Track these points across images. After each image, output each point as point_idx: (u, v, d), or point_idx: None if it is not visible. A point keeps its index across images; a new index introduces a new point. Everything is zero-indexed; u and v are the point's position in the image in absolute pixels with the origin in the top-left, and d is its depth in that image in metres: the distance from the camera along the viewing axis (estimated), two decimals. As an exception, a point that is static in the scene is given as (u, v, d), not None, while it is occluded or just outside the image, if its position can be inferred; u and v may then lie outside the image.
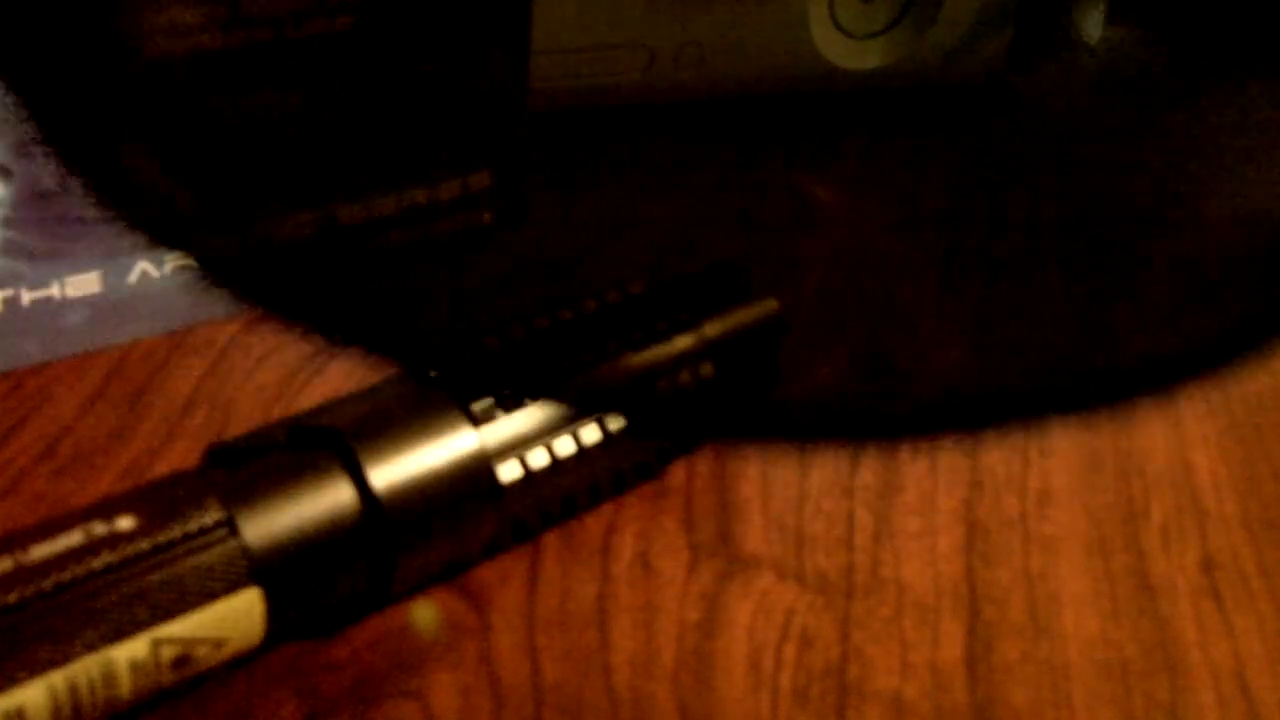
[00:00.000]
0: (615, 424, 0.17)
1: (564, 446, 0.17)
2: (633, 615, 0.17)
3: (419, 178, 0.23)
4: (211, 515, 0.14)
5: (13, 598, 0.13)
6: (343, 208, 0.22)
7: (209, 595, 0.14)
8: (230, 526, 0.14)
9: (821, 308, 0.23)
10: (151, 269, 0.21)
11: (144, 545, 0.14)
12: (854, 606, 0.17)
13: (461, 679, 0.15)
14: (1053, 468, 0.20)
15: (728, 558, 0.18)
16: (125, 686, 0.14)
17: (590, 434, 0.17)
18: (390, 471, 0.15)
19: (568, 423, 0.17)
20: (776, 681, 0.16)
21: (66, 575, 0.13)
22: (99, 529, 0.14)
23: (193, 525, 0.14)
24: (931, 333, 0.23)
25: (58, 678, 0.13)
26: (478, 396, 0.16)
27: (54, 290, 0.20)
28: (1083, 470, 0.20)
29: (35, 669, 0.13)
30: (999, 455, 0.20)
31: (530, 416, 0.17)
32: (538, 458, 0.16)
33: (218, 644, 0.14)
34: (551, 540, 0.18)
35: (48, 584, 0.13)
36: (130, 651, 0.14)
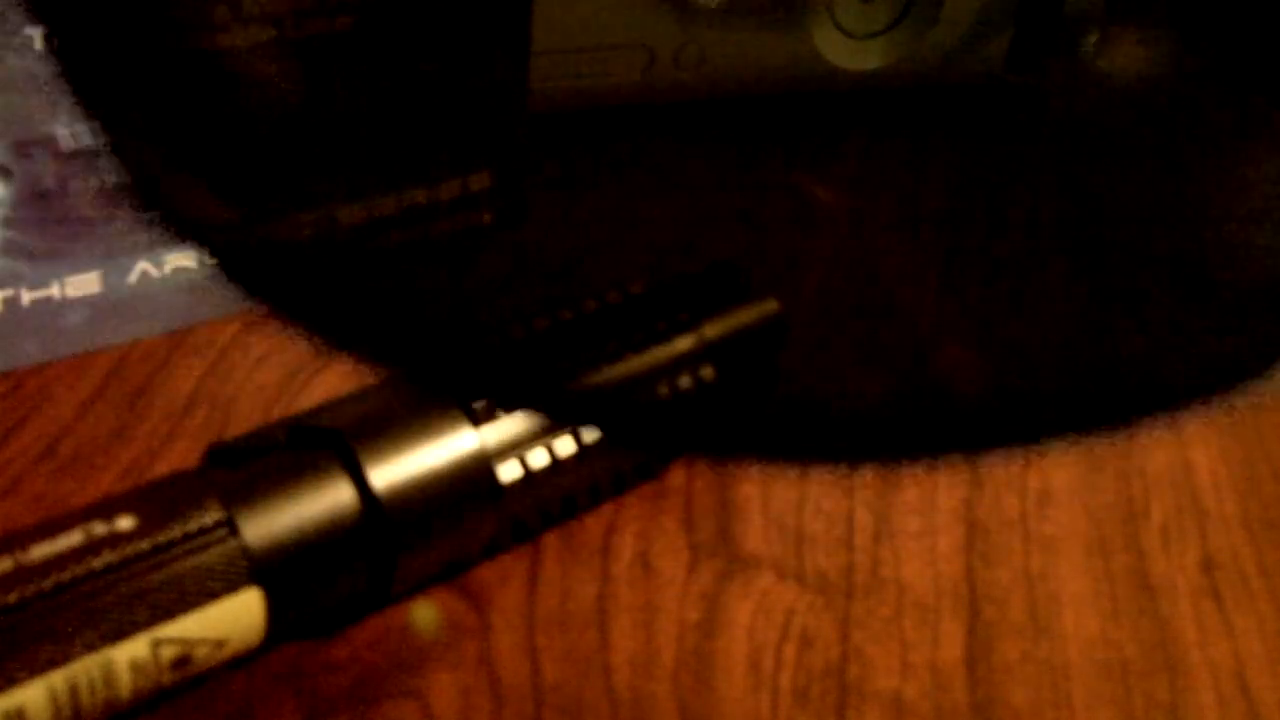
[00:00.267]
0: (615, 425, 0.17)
1: (564, 446, 0.17)
2: (633, 615, 0.17)
3: (419, 178, 0.23)
4: (211, 515, 0.14)
5: (13, 598, 0.13)
6: (343, 208, 0.22)
7: (209, 595, 0.14)
8: (230, 526, 0.14)
9: (821, 308, 0.23)
10: (151, 269, 0.21)
11: (144, 545, 0.14)
12: (854, 606, 0.17)
13: (461, 679, 0.15)
14: (1053, 468, 0.20)
15: (728, 558, 0.18)
16: (125, 686, 0.14)
17: (590, 434, 0.17)
18: (390, 471, 0.15)
19: (568, 423, 0.17)
20: (776, 681, 0.16)
21: (66, 575, 0.13)
22: (99, 529, 0.14)
23: (193, 525, 0.14)
24: (931, 333, 0.23)
25: (58, 678, 0.13)
26: (478, 397, 0.16)
27: (54, 290, 0.20)
28: (1083, 470, 0.20)
29: (35, 669, 0.13)
30: (999, 455, 0.20)
31: (530, 416, 0.17)
32: (538, 458, 0.16)
33: (218, 644, 0.14)
34: (551, 540, 0.18)
35: (48, 584, 0.13)
36: (130, 651, 0.14)
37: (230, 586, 0.14)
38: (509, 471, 0.16)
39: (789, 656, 0.16)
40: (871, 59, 0.30)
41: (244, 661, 0.15)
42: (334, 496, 0.15)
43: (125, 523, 0.14)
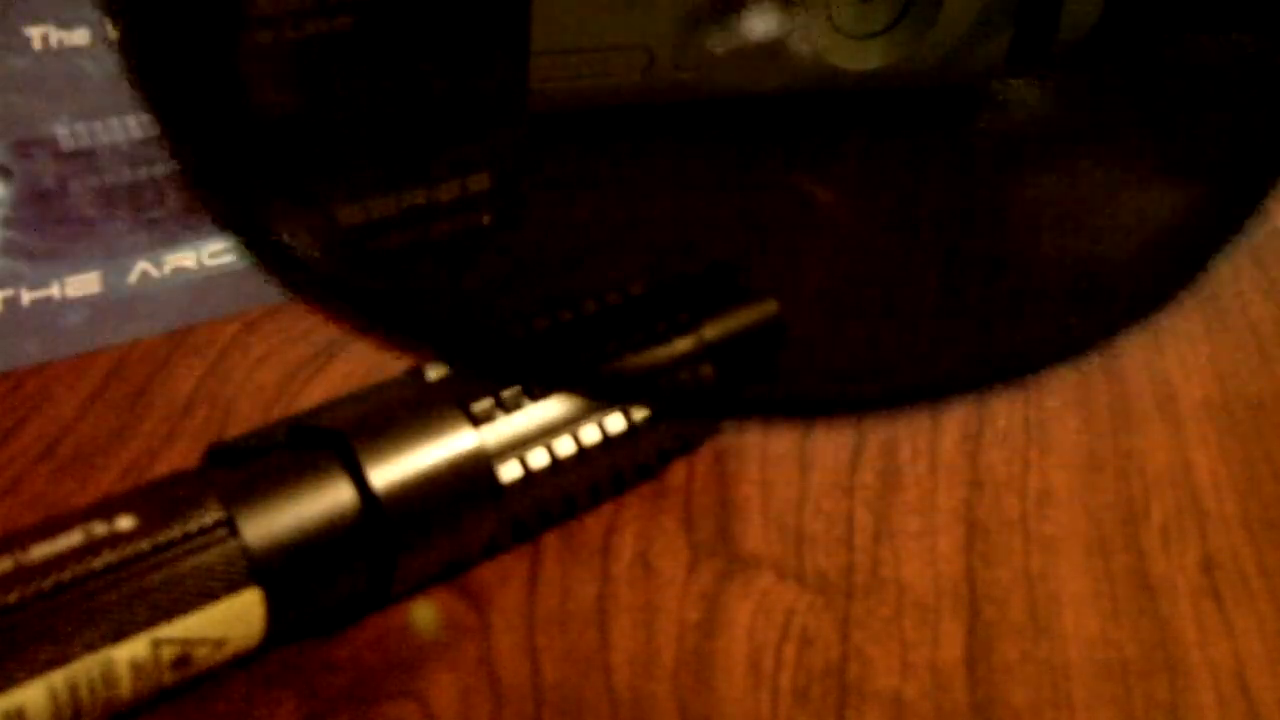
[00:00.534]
0: (615, 424, 0.17)
1: (564, 446, 0.17)
2: (633, 615, 0.17)
3: (418, 179, 0.23)
4: (211, 515, 0.14)
5: (13, 598, 0.13)
6: (343, 208, 0.22)
7: (209, 595, 0.14)
8: (230, 526, 0.14)
9: (821, 308, 0.23)
10: (151, 269, 0.21)
11: (144, 545, 0.14)
12: (854, 606, 0.17)
13: (461, 679, 0.15)
14: (1053, 468, 0.20)
15: (728, 558, 0.18)
16: (125, 686, 0.14)
17: (590, 434, 0.17)
18: (390, 471, 0.15)
19: (568, 423, 0.17)
20: (776, 681, 0.16)
21: (66, 575, 0.13)
22: (99, 529, 0.14)
23: (193, 525, 0.14)
24: (931, 333, 0.23)
25: (58, 678, 0.13)
26: (478, 397, 0.16)
27: (54, 290, 0.20)
28: (1083, 470, 0.20)
29: (35, 669, 0.13)
30: (999, 455, 0.20)
31: (530, 416, 0.17)
32: (538, 458, 0.17)
33: (218, 644, 0.14)
34: (551, 540, 0.18)
35: (48, 584, 0.13)
36: (130, 651, 0.14)
37: (230, 586, 0.14)
38: (509, 471, 0.16)
39: (789, 656, 0.16)
40: (871, 59, 0.30)
41: (244, 661, 0.15)
42: (334, 496, 0.15)
43: (125, 523, 0.14)
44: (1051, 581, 0.17)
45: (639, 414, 0.17)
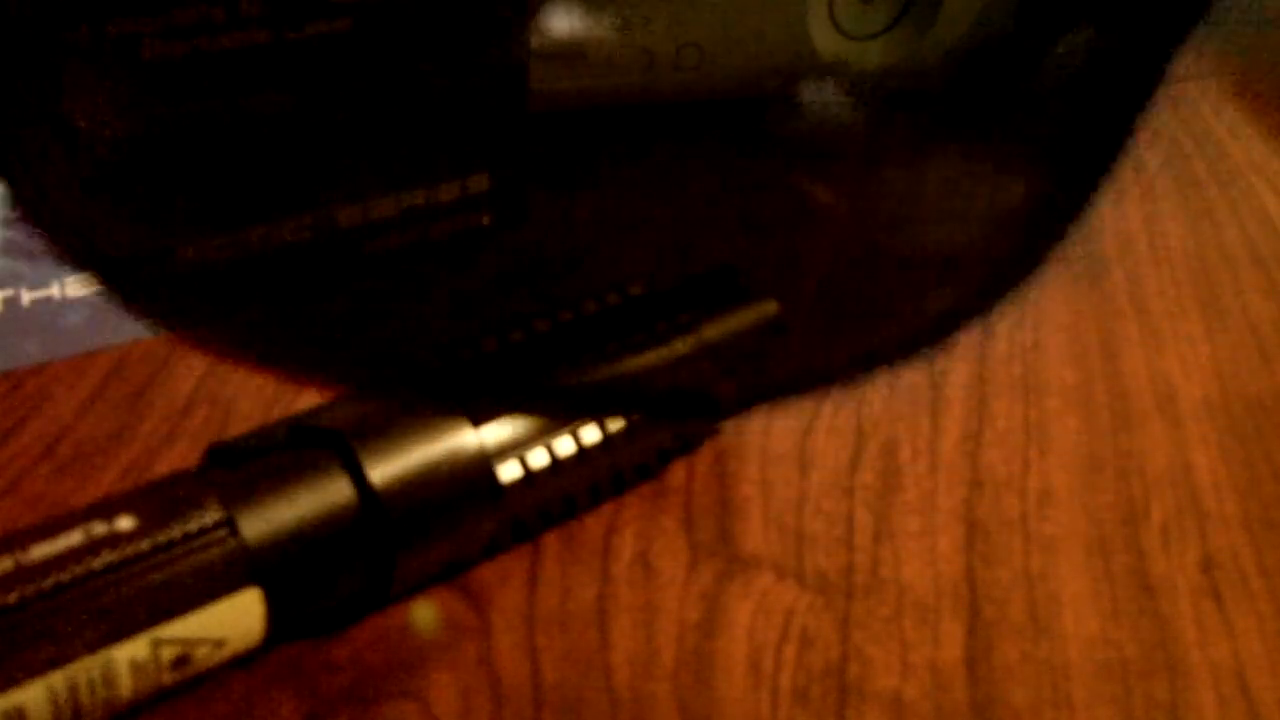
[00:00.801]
0: (615, 424, 0.17)
1: (564, 446, 0.17)
2: (633, 615, 0.17)
3: (418, 179, 0.23)
4: (211, 515, 0.14)
5: (13, 598, 0.13)
6: (342, 209, 0.22)
7: (209, 595, 0.14)
8: (230, 526, 0.14)
9: (821, 308, 0.23)
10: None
11: (144, 545, 0.14)
12: (854, 606, 0.17)
13: (461, 679, 0.15)
14: (1053, 468, 0.20)
15: (728, 558, 0.18)
16: (125, 686, 0.14)
17: (590, 434, 0.17)
18: (390, 471, 0.15)
19: (568, 423, 0.17)
20: (776, 681, 0.16)
21: (66, 575, 0.13)
22: (99, 529, 0.14)
23: (193, 525, 0.14)
24: (931, 333, 0.23)
25: (58, 678, 0.13)
26: (478, 399, 0.16)
27: (54, 290, 0.20)
28: (1083, 470, 0.20)
29: (35, 669, 0.13)
30: (999, 455, 0.20)
31: (530, 417, 0.17)
32: (538, 458, 0.17)
33: (218, 644, 0.14)
34: (551, 540, 0.18)
35: (48, 584, 0.13)
36: (130, 651, 0.14)
37: (230, 586, 0.14)
38: (509, 471, 0.16)
39: (789, 656, 0.16)
40: (871, 59, 0.30)
41: (244, 661, 0.15)
42: (334, 496, 0.15)
43: (125, 523, 0.14)
44: (1051, 581, 0.17)
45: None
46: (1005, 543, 0.18)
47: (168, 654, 0.14)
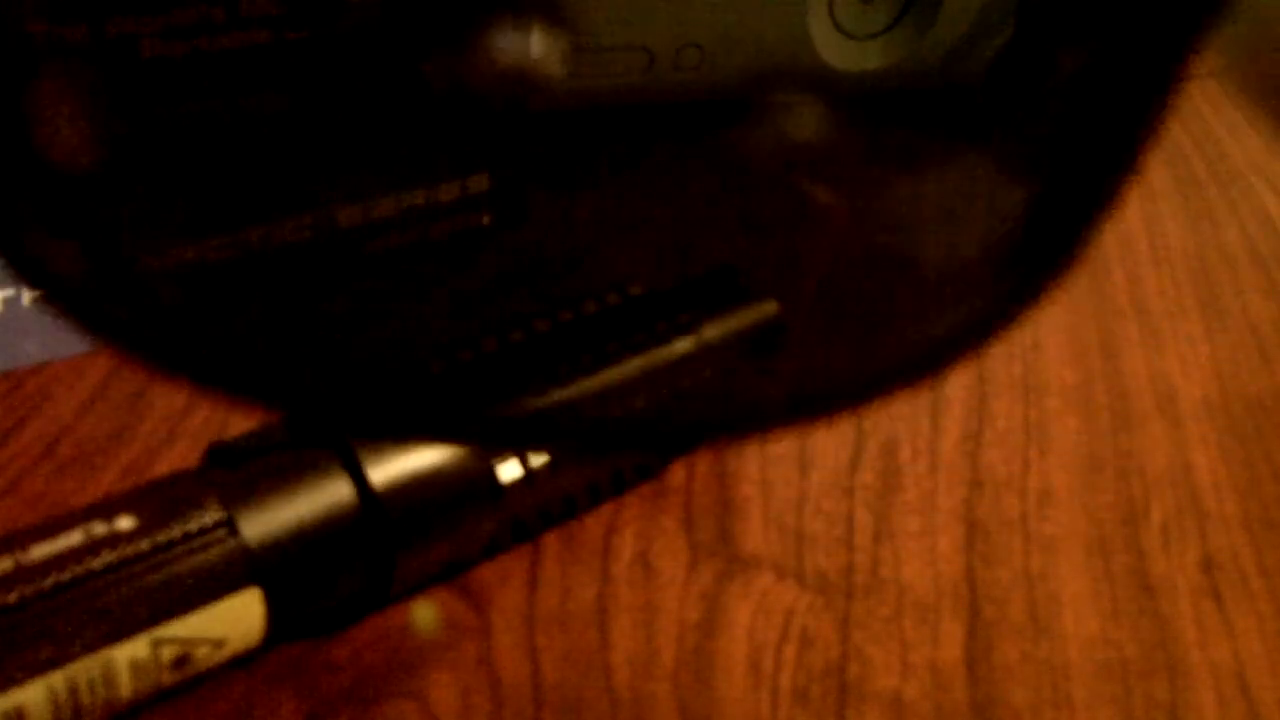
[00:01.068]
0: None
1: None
2: (633, 615, 0.17)
3: (418, 179, 0.23)
4: (211, 515, 0.14)
5: (13, 598, 0.13)
6: (342, 209, 0.22)
7: (209, 595, 0.14)
8: (230, 526, 0.14)
9: (821, 308, 0.23)
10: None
11: (144, 545, 0.14)
12: (854, 606, 0.17)
13: (461, 679, 0.15)
14: (1053, 468, 0.20)
15: (728, 558, 0.18)
16: (125, 686, 0.14)
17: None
18: (390, 471, 0.15)
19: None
20: (776, 681, 0.16)
21: (66, 575, 0.13)
22: (99, 529, 0.14)
23: (193, 525, 0.14)
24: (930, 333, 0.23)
25: (58, 678, 0.13)
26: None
27: (54, 290, 0.20)
28: (1083, 470, 0.20)
29: (35, 669, 0.13)
30: (999, 455, 0.20)
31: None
32: (538, 458, 0.17)
33: (218, 644, 0.14)
34: (551, 540, 0.18)
35: (48, 584, 0.13)
36: (130, 651, 0.14)
37: (230, 586, 0.14)
38: (509, 471, 0.16)
39: (789, 656, 0.16)
40: (871, 59, 0.30)
41: (244, 661, 0.15)
42: (334, 496, 0.15)
43: (125, 523, 0.14)
44: (1051, 581, 0.17)
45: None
46: (1005, 543, 0.18)
47: (168, 654, 0.14)
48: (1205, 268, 0.26)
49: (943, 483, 0.19)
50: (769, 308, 0.19)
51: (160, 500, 0.14)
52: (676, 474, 0.19)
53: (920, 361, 0.13)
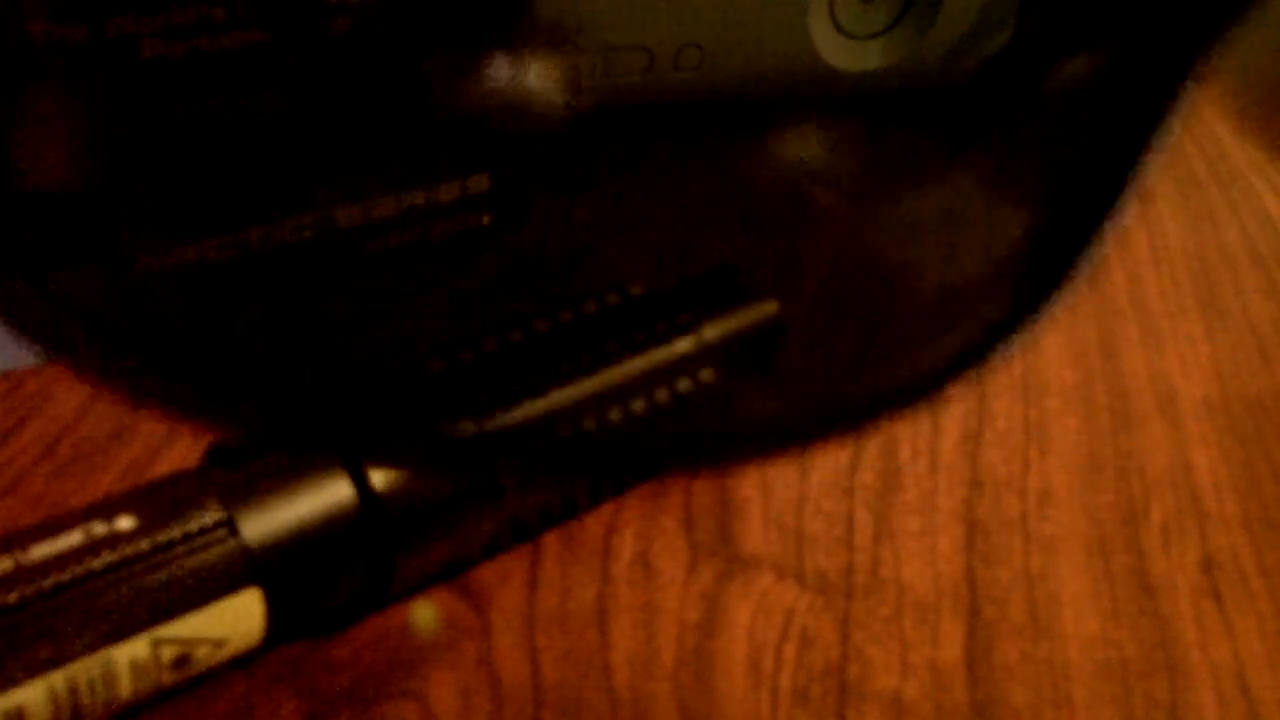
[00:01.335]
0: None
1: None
2: (633, 615, 0.17)
3: (418, 179, 0.23)
4: (211, 515, 0.14)
5: (13, 598, 0.13)
6: (342, 209, 0.22)
7: (209, 595, 0.14)
8: (230, 526, 0.14)
9: (821, 308, 0.23)
10: (151, 269, 0.20)
11: (144, 545, 0.14)
12: (854, 606, 0.17)
13: (461, 679, 0.15)
14: (1053, 468, 0.20)
15: (728, 558, 0.18)
16: (125, 686, 0.14)
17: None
18: (390, 471, 0.15)
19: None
20: (776, 681, 0.16)
21: (66, 575, 0.13)
22: (99, 529, 0.14)
23: (193, 525, 0.14)
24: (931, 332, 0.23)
25: (58, 678, 0.13)
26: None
27: (54, 290, 0.20)
28: (1083, 470, 0.20)
29: (35, 669, 0.13)
30: (999, 455, 0.20)
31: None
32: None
33: (218, 644, 0.14)
34: (551, 540, 0.18)
35: (48, 584, 0.13)
36: (130, 651, 0.14)
37: (230, 586, 0.14)
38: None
39: (789, 656, 0.16)
40: (871, 59, 0.30)
41: (244, 661, 0.15)
42: (334, 496, 0.15)
43: (125, 523, 0.14)
44: (1051, 581, 0.17)
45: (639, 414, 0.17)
46: (1005, 543, 0.18)
47: (168, 654, 0.14)
48: (1205, 268, 0.26)
49: (943, 483, 0.19)
50: (769, 307, 0.19)
51: (160, 500, 0.14)
52: (676, 474, 0.19)
53: (917, 385, 0.13)
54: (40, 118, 0.18)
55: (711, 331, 0.18)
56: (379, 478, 0.15)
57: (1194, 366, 0.22)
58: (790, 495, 0.19)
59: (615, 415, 0.17)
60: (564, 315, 0.18)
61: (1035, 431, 0.20)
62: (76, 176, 0.19)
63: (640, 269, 0.24)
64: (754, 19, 0.28)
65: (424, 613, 0.16)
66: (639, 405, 0.17)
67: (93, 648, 0.13)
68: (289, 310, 0.22)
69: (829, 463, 0.19)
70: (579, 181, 0.27)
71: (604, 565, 0.17)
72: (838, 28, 0.29)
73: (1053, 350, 0.23)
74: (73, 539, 0.14)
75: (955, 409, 0.21)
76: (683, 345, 0.18)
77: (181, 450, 0.19)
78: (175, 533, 0.14)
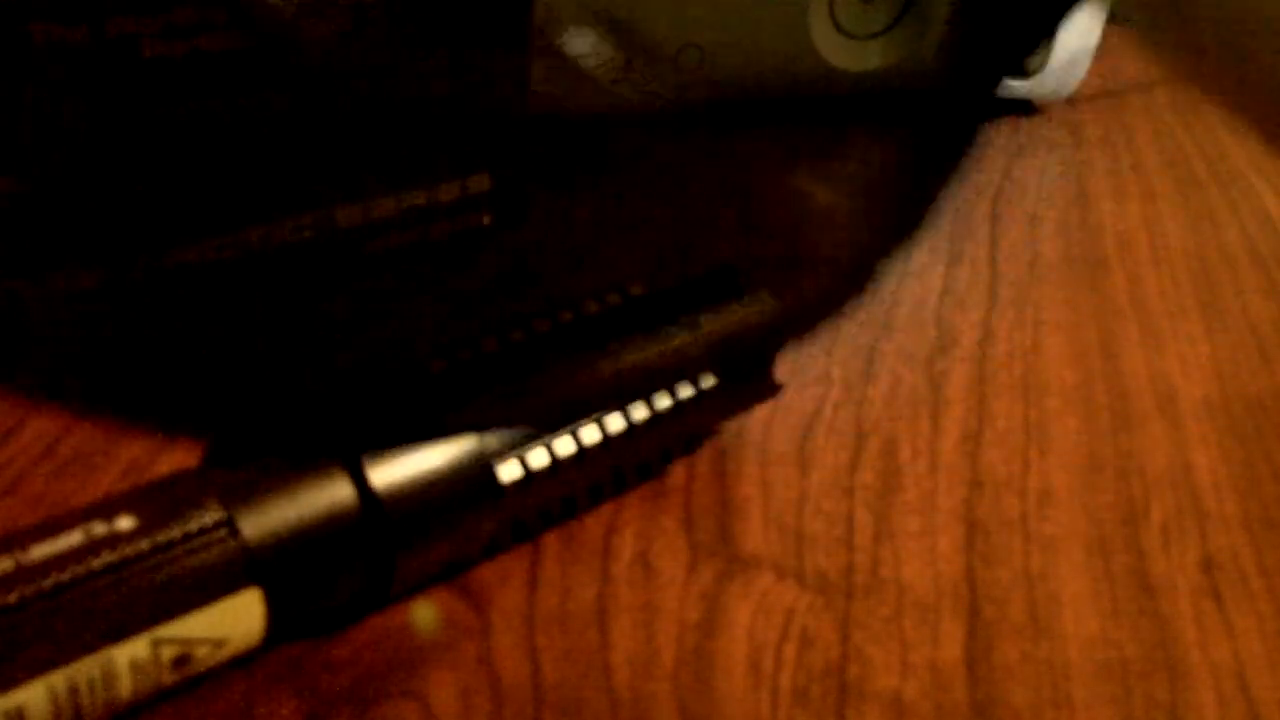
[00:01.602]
0: (615, 424, 0.17)
1: (564, 446, 0.17)
2: (633, 615, 0.17)
3: (418, 179, 0.23)
4: (211, 515, 0.14)
5: (13, 598, 0.13)
6: (342, 209, 0.22)
7: (209, 595, 0.14)
8: (230, 526, 0.14)
9: (821, 308, 0.23)
10: (151, 269, 0.20)
11: (144, 545, 0.14)
12: (854, 606, 0.17)
13: (461, 679, 0.15)
14: (1053, 468, 0.20)
15: (728, 558, 0.18)
16: (125, 686, 0.14)
17: (590, 434, 0.17)
18: (390, 471, 0.15)
19: (568, 423, 0.17)
20: (776, 681, 0.16)
21: (66, 575, 0.13)
22: (99, 529, 0.14)
23: (193, 525, 0.14)
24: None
25: (58, 678, 0.13)
26: (478, 399, 0.16)
27: (54, 290, 0.20)
28: (1083, 470, 0.20)
29: (35, 669, 0.13)
30: (999, 455, 0.20)
31: (530, 416, 0.17)
32: (538, 458, 0.17)
33: (218, 644, 0.14)
34: (551, 540, 0.18)
35: (48, 584, 0.13)
36: (130, 651, 0.14)
37: (230, 586, 0.14)
38: (509, 471, 0.16)
39: (789, 656, 0.16)
40: (871, 59, 0.30)
41: (244, 661, 0.15)
42: (334, 496, 0.15)
43: (125, 523, 0.14)
44: (1051, 581, 0.17)
45: (639, 414, 0.17)
46: (1005, 543, 0.18)
47: (168, 654, 0.14)
48: (1205, 268, 0.26)
49: (943, 483, 0.19)
50: (767, 301, 0.19)
51: (160, 500, 0.14)
52: (676, 474, 0.19)
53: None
54: (40, 117, 0.18)
55: (711, 325, 0.18)
56: (379, 478, 0.15)
57: (1194, 366, 0.22)
58: (790, 495, 0.19)
59: (615, 419, 0.17)
60: (564, 315, 0.18)
61: (1035, 431, 0.20)
62: (76, 177, 0.19)
63: (640, 269, 0.24)
64: (754, 19, 0.28)
65: (424, 613, 0.16)
66: (639, 411, 0.17)
67: (93, 648, 0.13)
68: (289, 310, 0.22)
69: (829, 462, 0.19)
70: (579, 181, 0.27)
71: (604, 565, 0.17)
72: (838, 28, 0.29)
73: (1053, 350, 0.23)
74: (73, 539, 0.14)
75: (955, 409, 0.21)
76: (683, 343, 0.18)
77: (181, 450, 0.19)
78: (175, 533, 0.14)
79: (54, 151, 0.19)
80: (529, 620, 0.16)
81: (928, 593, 0.17)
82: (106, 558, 0.14)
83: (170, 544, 0.14)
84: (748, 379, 0.19)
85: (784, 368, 0.22)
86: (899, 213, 0.27)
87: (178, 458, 0.18)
